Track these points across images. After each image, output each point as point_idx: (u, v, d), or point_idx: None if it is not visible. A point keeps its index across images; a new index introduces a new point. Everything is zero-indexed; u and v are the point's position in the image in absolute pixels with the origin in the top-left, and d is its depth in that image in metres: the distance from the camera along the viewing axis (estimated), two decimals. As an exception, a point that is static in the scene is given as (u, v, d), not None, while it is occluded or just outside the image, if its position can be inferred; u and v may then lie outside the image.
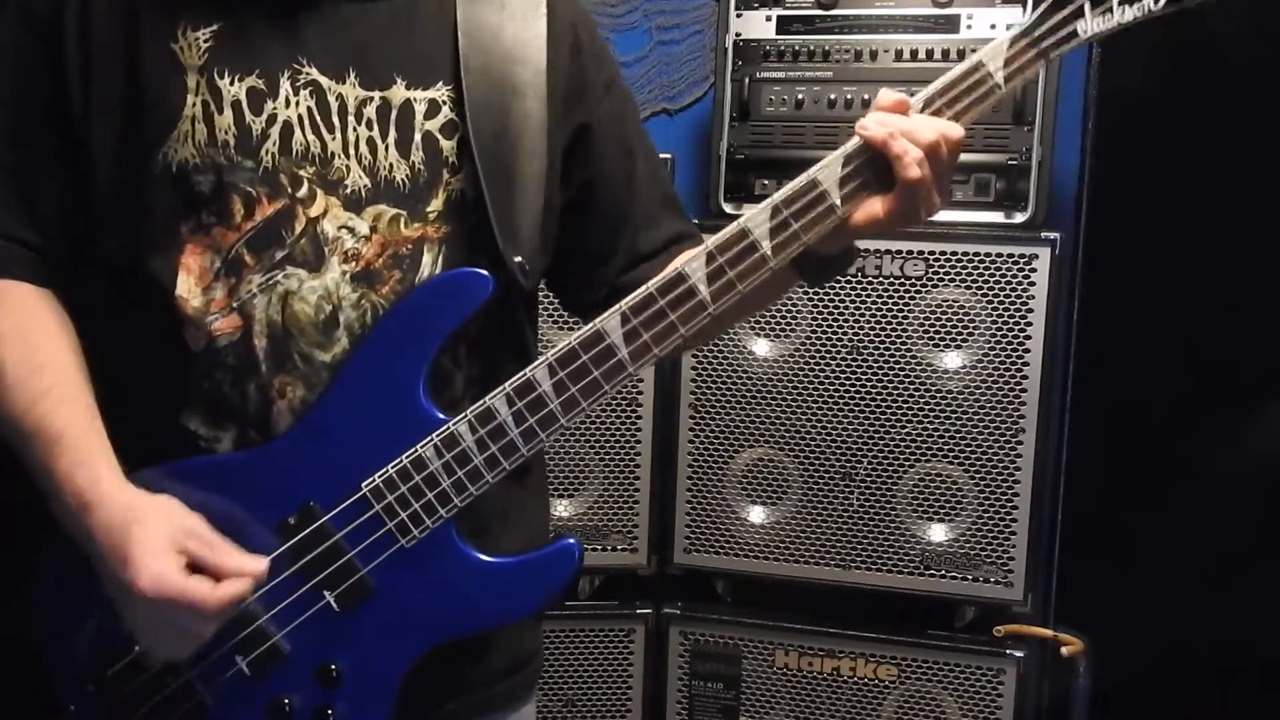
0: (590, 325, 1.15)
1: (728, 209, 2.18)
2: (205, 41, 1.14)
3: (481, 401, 1.15)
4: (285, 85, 1.15)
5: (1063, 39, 1.12)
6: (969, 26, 2.08)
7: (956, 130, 1.13)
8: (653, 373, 2.17)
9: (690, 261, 1.15)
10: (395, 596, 1.16)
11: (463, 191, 1.19)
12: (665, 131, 2.54)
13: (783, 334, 2.14)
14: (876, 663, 2.16)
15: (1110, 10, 1.11)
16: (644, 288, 1.15)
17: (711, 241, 1.15)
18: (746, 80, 2.17)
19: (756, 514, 2.18)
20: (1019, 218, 2.08)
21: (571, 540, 1.18)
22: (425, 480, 1.15)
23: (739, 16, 2.17)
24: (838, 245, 1.20)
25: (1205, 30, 2.09)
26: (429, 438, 1.15)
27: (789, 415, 2.14)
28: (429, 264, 1.18)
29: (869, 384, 2.10)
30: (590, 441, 2.19)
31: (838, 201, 1.14)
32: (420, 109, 1.18)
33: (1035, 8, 1.13)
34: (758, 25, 2.17)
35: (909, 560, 2.11)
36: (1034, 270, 2.02)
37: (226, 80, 1.14)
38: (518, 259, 1.20)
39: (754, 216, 1.14)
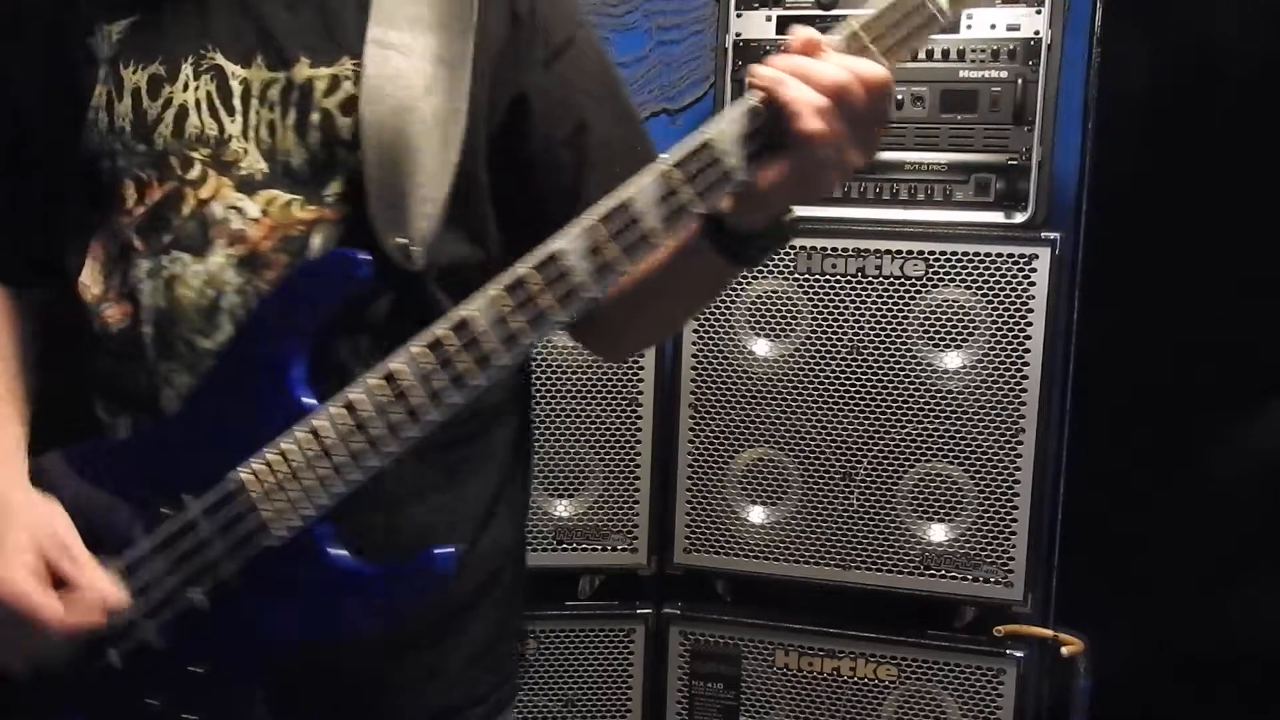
0: (455, 312, 1.05)
1: (728, 209, 2.17)
2: (118, 34, 1.15)
3: (342, 392, 1.07)
4: (187, 70, 1.13)
5: None
6: (969, 27, 2.07)
7: (876, 71, 0.95)
8: (653, 373, 2.17)
9: (564, 239, 1.02)
10: (258, 596, 1.09)
11: (361, 170, 1.10)
12: (665, 131, 2.53)
13: (783, 334, 2.14)
14: (876, 663, 2.16)
15: None
16: (513, 268, 1.03)
17: (591, 213, 1.02)
18: (747, 80, 2.16)
19: (756, 514, 2.18)
20: (1019, 218, 2.07)
21: (440, 551, 1.07)
22: (294, 473, 1.07)
23: (739, 16, 2.16)
24: (758, 218, 1.06)
25: (1205, 30, 2.09)
26: (291, 430, 1.07)
27: (789, 415, 2.14)
28: (317, 248, 1.11)
29: (869, 384, 2.10)
30: (590, 441, 2.18)
31: (736, 164, 0.99)
32: (321, 86, 1.11)
33: None
34: (758, 25, 2.16)
35: (909, 560, 2.11)
36: (1034, 270, 2.02)
37: (130, 69, 1.14)
38: (401, 240, 1.09)
39: (638, 181, 1.00)
